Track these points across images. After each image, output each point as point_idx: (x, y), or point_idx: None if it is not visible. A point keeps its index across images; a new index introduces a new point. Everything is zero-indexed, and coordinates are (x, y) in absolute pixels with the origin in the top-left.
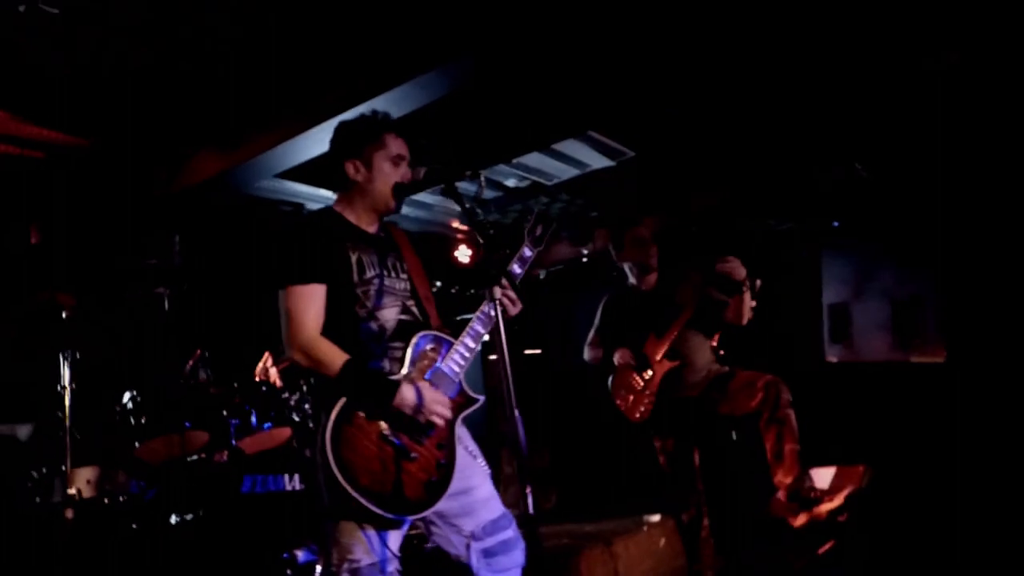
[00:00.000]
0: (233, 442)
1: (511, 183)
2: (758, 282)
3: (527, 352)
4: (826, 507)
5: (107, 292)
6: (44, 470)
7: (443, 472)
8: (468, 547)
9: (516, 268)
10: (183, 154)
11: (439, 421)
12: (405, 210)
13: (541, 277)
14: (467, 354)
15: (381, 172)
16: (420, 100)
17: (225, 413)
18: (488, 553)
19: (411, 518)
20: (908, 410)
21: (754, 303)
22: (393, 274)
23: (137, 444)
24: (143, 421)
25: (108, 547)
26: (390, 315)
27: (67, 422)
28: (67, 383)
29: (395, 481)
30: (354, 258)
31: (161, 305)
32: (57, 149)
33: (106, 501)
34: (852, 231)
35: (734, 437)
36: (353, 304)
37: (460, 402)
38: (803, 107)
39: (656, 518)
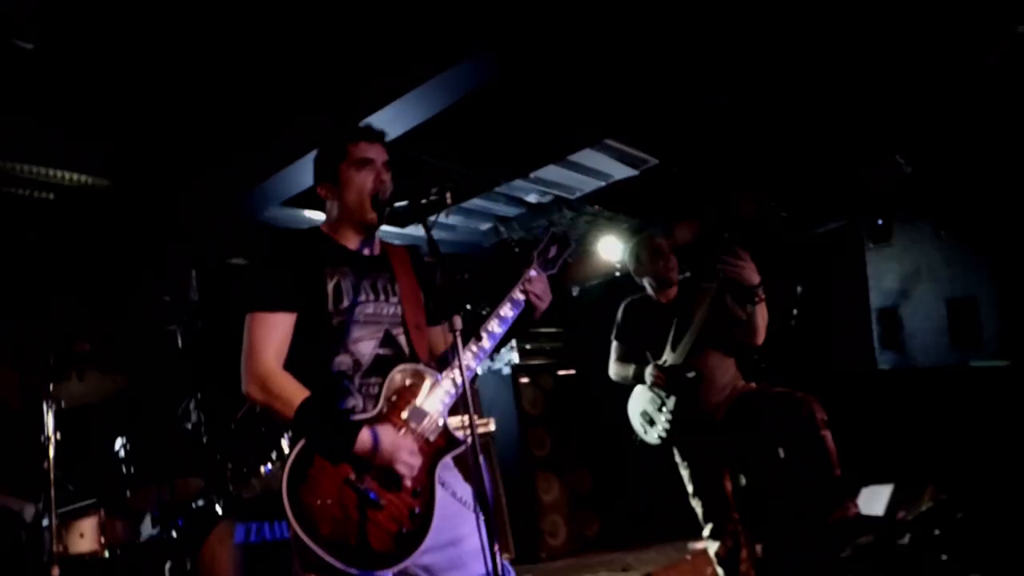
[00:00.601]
0: (229, 487)
1: (532, 198)
2: (799, 288)
3: (561, 373)
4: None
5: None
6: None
7: (418, 522)
8: None
9: (517, 293)
10: (191, 185)
11: (404, 470)
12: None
13: (575, 294)
14: (453, 391)
15: (349, 182)
16: (430, 108)
17: (219, 457)
18: None
19: (381, 572)
20: (971, 419)
21: (795, 311)
22: (381, 298)
23: (129, 493)
24: (133, 469)
25: None
26: (367, 348)
27: (51, 474)
28: (51, 433)
29: (360, 532)
30: (331, 284)
31: (174, 342)
32: (66, 190)
33: (106, 555)
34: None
35: (781, 454)
36: (326, 335)
37: (440, 445)
38: (840, 98)
39: (700, 546)
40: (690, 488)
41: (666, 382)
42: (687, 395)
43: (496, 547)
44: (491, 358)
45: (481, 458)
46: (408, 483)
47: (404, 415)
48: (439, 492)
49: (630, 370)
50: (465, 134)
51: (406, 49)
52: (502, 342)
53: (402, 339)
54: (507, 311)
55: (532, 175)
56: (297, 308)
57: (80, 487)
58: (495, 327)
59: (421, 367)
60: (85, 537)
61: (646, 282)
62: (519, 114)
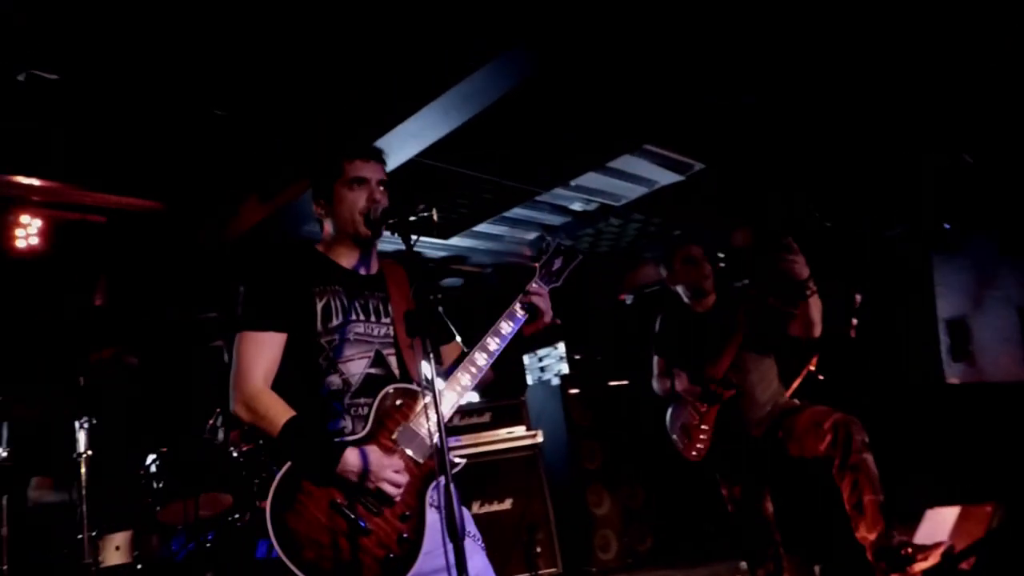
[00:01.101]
0: (257, 503)
1: (577, 207)
2: (858, 297)
3: (613, 384)
4: (921, 566)
5: (166, 348)
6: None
7: (407, 547)
8: None
9: (517, 308)
10: (231, 205)
11: (391, 490)
12: (472, 243)
13: (628, 302)
14: (446, 411)
15: (343, 200)
16: (464, 112)
17: (244, 473)
18: None
19: None
20: None
21: (855, 321)
22: (372, 318)
23: (159, 508)
24: (162, 485)
25: None
26: (357, 368)
27: (83, 490)
28: (83, 449)
29: (347, 557)
30: (320, 304)
31: (220, 357)
32: (117, 213)
33: (139, 567)
34: (966, 233)
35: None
36: (316, 355)
37: (431, 467)
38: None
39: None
40: (730, 508)
41: (701, 396)
42: (727, 412)
43: None
44: (540, 369)
45: (453, 486)
46: (397, 507)
47: (394, 436)
48: (431, 516)
49: (669, 383)
50: (499, 143)
51: (439, 50)
52: (506, 358)
53: (393, 360)
54: (505, 327)
55: (573, 183)
56: (287, 328)
57: (114, 502)
58: (492, 344)
59: (413, 387)
60: (120, 550)
61: (680, 291)
62: (554, 121)
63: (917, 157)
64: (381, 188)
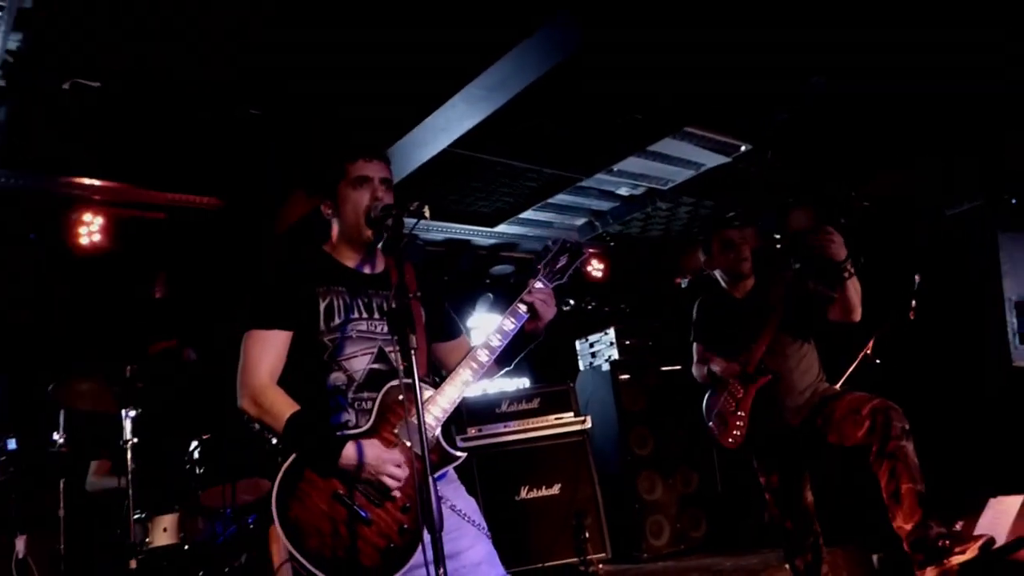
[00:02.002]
0: None
1: (624, 191)
2: (918, 278)
3: (665, 369)
4: (958, 559)
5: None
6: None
7: (407, 538)
8: None
9: (520, 305)
10: (281, 200)
11: (391, 483)
12: (521, 230)
13: (683, 286)
14: (447, 406)
15: (347, 201)
16: (507, 91)
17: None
18: None
19: None
20: None
21: (915, 303)
22: (376, 316)
23: (201, 492)
24: (203, 470)
25: None
26: (360, 364)
27: (130, 475)
28: (129, 436)
29: (348, 546)
30: (323, 304)
31: None
32: (176, 210)
33: (186, 547)
34: None
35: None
36: (320, 352)
37: (433, 460)
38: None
39: None
40: (767, 497)
41: (740, 376)
42: (764, 399)
43: (442, 570)
44: (591, 355)
45: (431, 478)
46: (398, 499)
47: (396, 430)
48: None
49: (707, 369)
50: (534, 130)
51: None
52: (512, 356)
53: (395, 356)
54: (508, 324)
55: (616, 168)
56: (292, 327)
57: (161, 486)
58: (494, 341)
59: (416, 382)
60: (168, 531)
61: (718, 275)
62: (595, 106)
63: (985, 132)
64: (384, 186)
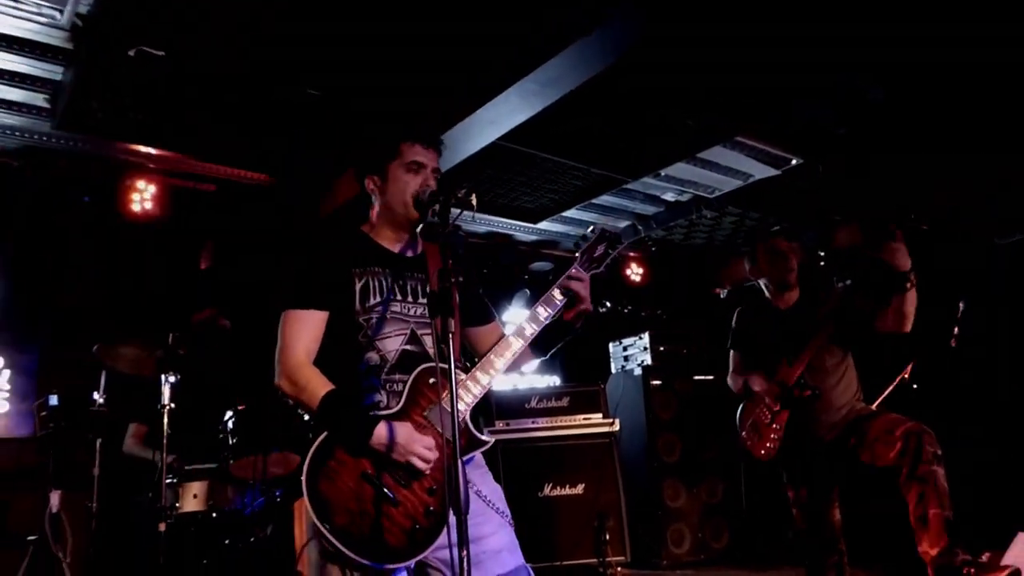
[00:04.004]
0: None
1: (669, 197)
2: (961, 305)
3: (698, 378)
4: None
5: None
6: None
7: (432, 520)
8: None
9: (556, 293)
10: (330, 180)
11: (421, 465)
12: (563, 228)
13: (722, 296)
14: (477, 392)
15: (396, 181)
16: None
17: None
18: None
19: (393, 566)
20: None
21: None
22: (410, 299)
23: (232, 461)
24: (236, 440)
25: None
26: (393, 345)
27: (164, 439)
28: (166, 402)
29: (374, 525)
30: (359, 284)
31: None
32: (227, 183)
33: (214, 515)
34: None
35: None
36: (355, 333)
37: (461, 444)
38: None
39: None
40: (795, 512)
41: (779, 397)
42: (800, 413)
43: (465, 552)
44: (624, 359)
45: (460, 462)
46: (425, 481)
47: (425, 413)
48: (449, 493)
49: (743, 381)
50: (585, 129)
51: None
52: (547, 345)
53: (428, 339)
54: (543, 312)
55: (664, 173)
56: (328, 307)
57: (194, 453)
58: (528, 329)
59: (445, 366)
60: (198, 498)
61: (763, 284)
62: (642, 107)
63: None
64: (435, 175)
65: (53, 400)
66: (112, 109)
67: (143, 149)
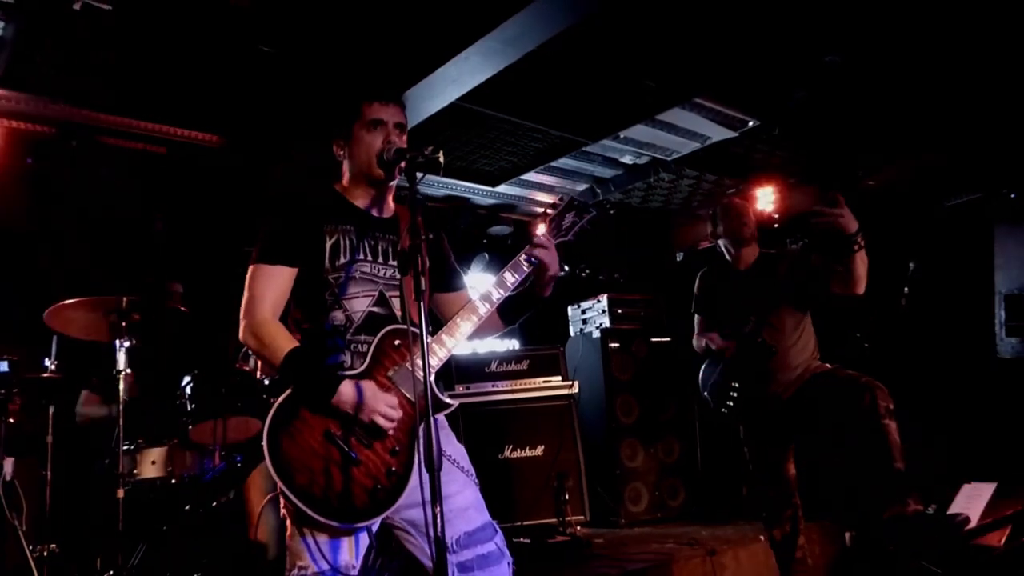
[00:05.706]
0: None
1: (628, 160)
2: (911, 265)
3: (655, 340)
4: None
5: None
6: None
7: (394, 480)
8: None
9: (522, 259)
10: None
11: (384, 424)
12: (522, 191)
13: (679, 259)
14: (442, 355)
15: (360, 142)
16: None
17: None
18: (464, 568)
19: (355, 526)
20: None
21: (906, 290)
22: (380, 260)
23: (191, 427)
24: (195, 406)
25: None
26: (360, 305)
27: (121, 405)
28: (122, 367)
29: (336, 485)
30: (329, 242)
31: None
32: (178, 146)
33: (173, 482)
34: None
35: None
36: (322, 291)
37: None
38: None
39: None
40: (751, 467)
41: (738, 354)
42: (758, 370)
43: (438, 509)
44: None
45: (434, 419)
46: (388, 441)
47: (390, 374)
48: (422, 452)
49: (706, 342)
50: (547, 91)
51: None
52: (515, 313)
53: (396, 301)
54: (510, 278)
55: (623, 135)
56: (297, 263)
57: (152, 419)
58: (495, 294)
59: (413, 329)
60: (156, 464)
61: (722, 244)
62: (603, 69)
63: (990, 123)
64: (398, 131)
65: (3, 367)
66: (55, 67)
67: (87, 112)
